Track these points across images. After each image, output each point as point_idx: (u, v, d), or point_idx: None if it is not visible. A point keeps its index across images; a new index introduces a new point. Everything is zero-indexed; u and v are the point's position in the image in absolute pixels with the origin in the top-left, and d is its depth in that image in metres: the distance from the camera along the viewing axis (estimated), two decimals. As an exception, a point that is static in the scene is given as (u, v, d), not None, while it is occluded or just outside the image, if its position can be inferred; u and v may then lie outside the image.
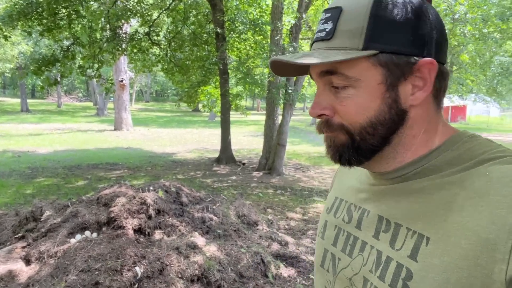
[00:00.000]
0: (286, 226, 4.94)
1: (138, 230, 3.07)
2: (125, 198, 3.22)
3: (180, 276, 2.86)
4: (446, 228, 0.50)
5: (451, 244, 0.48)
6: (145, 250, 2.91)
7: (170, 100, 54.43)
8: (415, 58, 0.53)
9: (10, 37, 9.01)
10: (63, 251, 2.75)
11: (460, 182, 0.51)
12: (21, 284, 2.55)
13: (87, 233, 3.10)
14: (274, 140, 8.80)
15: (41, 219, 3.43)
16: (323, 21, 0.58)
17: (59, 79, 9.21)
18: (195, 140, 16.08)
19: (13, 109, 28.64)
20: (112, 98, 24.13)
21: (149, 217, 3.21)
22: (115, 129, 18.89)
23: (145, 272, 2.74)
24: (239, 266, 3.23)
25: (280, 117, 8.95)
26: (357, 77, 0.55)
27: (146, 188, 3.72)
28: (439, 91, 0.57)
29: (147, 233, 3.10)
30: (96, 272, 2.58)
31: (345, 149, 0.59)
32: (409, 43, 0.53)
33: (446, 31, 0.59)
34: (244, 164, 10.08)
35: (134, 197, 3.21)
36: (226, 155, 10.24)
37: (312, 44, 0.60)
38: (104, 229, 3.08)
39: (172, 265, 2.89)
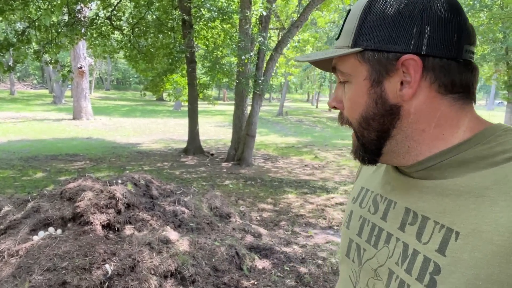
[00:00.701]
0: (258, 217, 4.92)
1: (107, 226, 2.92)
2: (92, 192, 3.04)
3: (153, 272, 2.75)
4: (477, 223, 0.49)
5: (482, 239, 0.47)
6: (115, 246, 2.77)
7: (132, 89, 52.59)
8: (397, 54, 0.54)
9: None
10: (25, 249, 2.56)
11: (493, 176, 0.50)
12: (-22, 287, 2.35)
13: (51, 229, 2.91)
14: (243, 130, 8.73)
15: (0, 215, 3.18)
16: (343, 20, 0.63)
17: (12, 66, 8.57)
18: (160, 130, 15.68)
19: (-41, 96, 26.59)
20: (70, 86, 22.96)
21: (119, 212, 3.06)
22: (74, 118, 18.03)
23: (116, 269, 2.61)
24: (213, 260, 3.17)
25: (249, 108, 8.89)
26: (350, 73, 0.59)
27: (114, 181, 3.55)
28: (447, 86, 0.55)
29: (116, 229, 2.96)
30: (63, 271, 2.42)
31: (358, 149, 0.63)
32: (392, 39, 0.54)
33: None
34: (212, 154, 9.96)
35: (102, 191, 3.04)
36: (194, 145, 10.05)
37: None
38: (69, 225, 2.90)
39: (144, 261, 2.77)
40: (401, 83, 0.55)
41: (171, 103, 31.42)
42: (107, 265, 2.61)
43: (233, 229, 4.00)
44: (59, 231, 2.91)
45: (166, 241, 3.07)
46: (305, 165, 9.00)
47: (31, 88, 44.10)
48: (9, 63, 9.24)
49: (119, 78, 56.23)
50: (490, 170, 0.51)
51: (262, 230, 4.18)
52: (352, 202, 0.75)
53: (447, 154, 0.56)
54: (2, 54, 8.27)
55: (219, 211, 4.23)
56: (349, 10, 0.61)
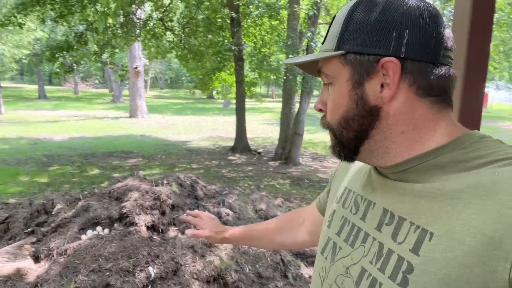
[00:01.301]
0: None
1: (151, 227, 2.91)
2: (137, 193, 3.05)
3: (195, 277, 2.69)
4: (451, 224, 0.50)
5: (455, 240, 0.49)
6: (158, 249, 2.75)
7: (184, 87, 54.36)
8: (377, 57, 0.56)
9: (24, 24, 8.91)
10: (73, 249, 2.61)
11: (468, 180, 0.52)
12: (29, 284, 2.42)
13: (99, 228, 2.96)
14: (290, 129, 8.55)
15: (52, 213, 3.31)
16: (328, 25, 0.65)
17: (74, 66, 9.09)
18: (209, 128, 15.91)
19: (30, 96, 29.00)
20: (127, 85, 24.15)
21: (163, 213, 3.04)
22: (130, 116, 18.88)
23: (159, 272, 2.58)
24: (257, 266, 3.05)
25: (297, 105, 8.69)
26: (333, 75, 0.61)
27: (160, 181, 3.55)
28: (425, 89, 0.57)
29: (160, 230, 2.94)
30: (107, 273, 2.43)
31: (335, 145, 0.65)
32: (372, 43, 0.56)
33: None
34: (259, 153, 9.88)
35: (147, 192, 3.04)
36: (241, 144, 10.04)
37: None
38: (116, 225, 2.93)
39: (187, 265, 2.72)
40: (381, 85, 0.57)
41: (221, 101, 31.96)
42: (150, 268, 2.59)
43: (279, 233, 3.86)
44: (106, 230, 2.95)
45: (210, 245, 3.00)
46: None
47: (93, 88, 47.04)
48: (72, 64, 9.82)
49: (172, 77, 58.28)
50: (464, 173, 0.53)
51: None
52: (336, 202, 0.77)
53: (425, 158, 0.57)
54: (62, 56, 8.80)
55: (264, 213, 4.11)
56: (334, 16, 0.63)
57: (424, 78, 0.56)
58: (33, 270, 2.58)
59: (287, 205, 5.32)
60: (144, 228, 2.84)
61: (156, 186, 3.35)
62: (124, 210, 2.90)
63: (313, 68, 0.68)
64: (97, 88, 46.64)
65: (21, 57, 22.10)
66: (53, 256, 2.62)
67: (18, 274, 2.55)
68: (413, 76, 0.56)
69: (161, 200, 3.03)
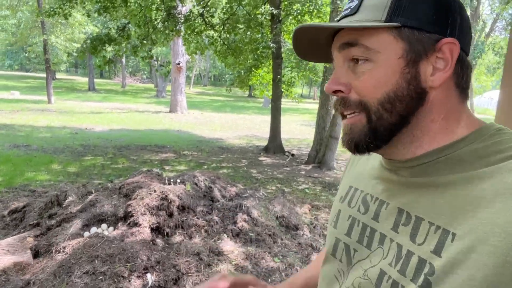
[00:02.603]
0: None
1: (156, 229, 2.71)
2: (145, 191, 2.86)
3: (197, 288, 2.45)
4: (473, 224, 0.48)
5: (478, 240, 0.47)
6: (160, 253, 2.53)
7: (227, 85, 54.91)
8: (438, 36, 0.53)
9: (70, 15, 9.17)
10: (71, 247, 2.46)
11: (489, 176, 0.49)
12: (23, 280, 2.30)
13: (104, 226, 2.80)
14: (326, 131, 8.13)
15: (63, 205, 3.21)
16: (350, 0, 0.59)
17: (112, 59, 9.24)
18: (246, 126, 15.76)
19: (81, 88, 30.49)
20: (171, 81, 24.66)
21: (170, 215, 2.83)
22: (170, 111, 19.19)
23: (157, 280, 2.36)
24: (269, 280, 2.75)
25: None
26: (377, 49, 0.55)
27: (174, 179, 3.35)
28: (460, 77, 0.56)
29: (165, 233, 2.73)
30: (101, 277, 2.24)
31: (362, 134, 0.58)
32: (432, 20, 0.53)
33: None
34: (293, 155, 9.53)
35: (155, 191, 2.84)
36: (274, 144, 9.74)
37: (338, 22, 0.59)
38: (120, 224, 2.76)
39: (189, 274, 2.49)
40: (433, 67, 0.54)
41: (261, 100, 31.83)
42: (148, 275, 2.37)
43: (299, 244, 3.53)
44: (111, 228, 2.78)
45: (218, 253, 2.75)
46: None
47: (140, 82, 48.71)
48: (111, 57, 10.03)
49: (216, 74, 59.12)
50: (486, 169, 0.50)
51: (333, 249, 3.63)
52: (340, 201, 0.73)
53: (445, 151, 0.55)
54: (104, 48, 8.97)
55: (285, 220, 3.80)
56: None
57: (464, 68, 0.55)
58: (30, 266, 2.46)
59: (313, 213, 4.95)
60: (148, 230, 2.64)
61: (169, 184, 3.15)
62: (129, 209, 2.71)
63: (321, 54, 0.63)
64: (144, 82, 48.23)
65: (72, 50, 23.18)
66: (52, 252, 2.49)
67: (15, 269, 2.43)
68: (460, 64, 0.54)
69: (169, 201, 2.82)
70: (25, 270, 2.41)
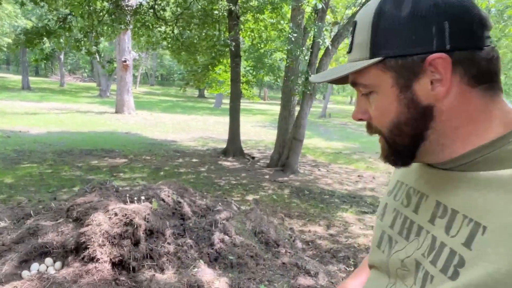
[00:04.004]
0: (310, 244, 4.01)
1: (119, 264, 2.15)
2: (103, 215, 2.28)
3: (176, 338, 1.94)
4: (505, 218, 0.48)
5: (508, 234, 0.47)
6: (126, 296, 1.99)
7: (175, 85, 53.34)
8: (422, 56, 0.54)
9: (0, 3, 8.02)
10: (4, 295, 1.83)
11: None
12: None
13: (48, 261, 2.18)
14: (289, 133, 7.84)
15: (-8, 233, 2.51)
16: (350, 33, 0.63)
17: (51, 53, 8.23)
18: (199, 128, 15.14)
19: (14, 86, 27.75)
20: (115, 80, 23.17)
21: (136, 243, 2.28)
22: (116, 112, 17.99)
23: (125, 334, 1.82)
24: (259, 315, 2.31)
25: (296, 109, 7.98)
26: (374, 84, 0.59)
27: (136, 196, 2.79)
28: (476, 78, 0.55)
29: (131, 268, 2.17)
30: (47, 338, 1.66)
31: (389, 154, 0.63)
32: (412, 42, 0.54)
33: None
34: (253, 158, 9.14)
35: (116, 214, 2.28)
36: (234, 146, 9.29)
37: None
38: (71, 258, 2.16)
39: (165, 320, 1.97)
40: (431, 82, 0.55)
41: (212, 100, 31.16)
42: (112, 327, 1.83)
43: (283, 263, 3.12)
44: (58, 264, 2.17)
45: (198, 287, 2.25)
46: (358, 176, 7.95)
47: (80, 81, 45.75)
48: (50, 51, 8.95)
49: (163, 74, 57.27)
50: None
51: (318, 266, 3.27)
52: (388, 195, 0.76)
53: (481, 151, 0.55)
54: (41, 41, 7.94)
55: (265, 236, 3.38)
56: (355, 22, 0.61)
57: (474, 66, 0.54)
58: None
59: (288, 223, 4.58)
60: (108, 266, 2.08)
61: (130, 203, 2.59)
62: (83, 239, 2.13)
63: (344, 80, 0.64)
64: (85, 81, 45.35)
65: (2, 45, 20.96)
66: (-26, 304, 1.84)
67: None
68: (463, 67, 0.54)
69: (135, 226, 2.27)
70: None
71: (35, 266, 2.14)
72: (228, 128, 9.44)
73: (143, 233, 2.31)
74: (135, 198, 2.71)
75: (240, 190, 6.09)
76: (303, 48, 7.21)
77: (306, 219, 4.85)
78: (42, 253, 2.21)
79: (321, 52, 7.42)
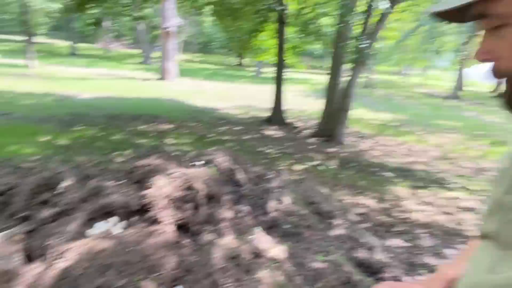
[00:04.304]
0: (361, 216, 3.90)
1: (181, 227, 2.15)
2: (165, 178, 2.29)
3: (239, 303, 1.94)
4: None
5: None
6: (190, 259, 2.00)
7: (216, 53, 53.32)
8: None
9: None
10: (75, 251, 1.89)
11: None
12: (13, 297, 1.74)
13: (113, 220, 2.23)
14: (336, 103, 7.57)
15: (57, 191, 2.61)
16: None
17: (100, 19, 8.34)
18: (241, 96, 15.04)
19: (63, 52, 28.85)
20: (158, 47, 23.39)
21: (197, 207, 2.27)
22: (160, 79, 18.24)
23: (190, 295, 1.84)
24: (319, 285, 2.27)
25: (345, 78, 7.66)
26: (508, 14, 0.51)
27: (193, 161, 2.78)
28: None
29: (193, 232, 2.18)
30: (118, 294, 1.70)
31: None
32: None
33: None
34: (297, 127, 8.99)
35: (178, 178, 2.27)
36: (277, 115, 9.16)
37: None
38: (134, 218, 2.19)
39: (229, 285, 1.97)
40: None
41: (252, 68, 30.79)
42: (179, 287, 1.85)
43: (338, 236, 3.05)
44: (121, 224, 2.22)
45: (257, 254, 2.23)
46: (408, 149, 7.61)
47: (124, 48, 46.69)
48: (100, 18, 9.09)
49: (205, 41, 57.22)
50: None
51: (373, 240, 3.17)
52: (504, 161, 0.65)
53: None
54: (92, 6, 8.06)
55: (318, 207, 3.30)
56: None
57: None
58: (22, 275, 1.89)
59: (337, 194, 4.47)
60: (171, 228, 2.09)
61: (188, 167, 2.58)
62: (146, 201, 2.14)
63: (461, 14, 0.55)
64: (129, 48, 46.23)
65: (52, 11, 21.59)
66: (49, 258, 1.92)
67: (2, 279, 1.86)
68: None
69: (196, 191, 2.25)
70: (14, 282, 1.86)
71: (99, 225, 2.20)
72: (272, 96, 9.28)
73: (203, 198, 2.30)
74: (194, 163, 2.70)
75: (286, 160, 6.02)
76: (353, 13, 6.78)
77: (355, 191, 4.71)
78: (106, 213, 2.26)
79: (373, 18, 6.95)
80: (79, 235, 2.07)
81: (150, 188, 2.20)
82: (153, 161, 2.57)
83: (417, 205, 4.41)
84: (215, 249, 2.10)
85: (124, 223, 2.22)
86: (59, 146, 5.62)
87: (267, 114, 9.76)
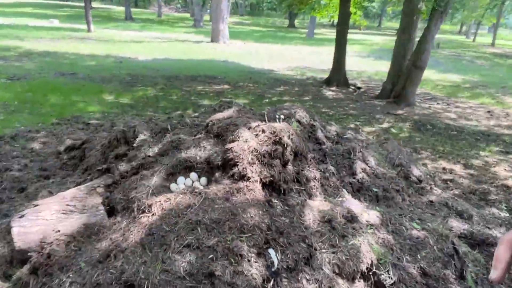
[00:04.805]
0: (448, 183, 3.50)
1: (269, 185, 1.95)
2: (248, 132, 2.07)
3: (337, 271, 1.72)
4: None
5: None
6: (281, 220, 1.80)
7: (264, 15, 51.89)
8: None
9: None
10: (160, 206, 1.76)
11: None
12: (99, 250, 1.65)
13: (193, 176, 2.07)
14: (408, 60, 6.90)
15: (134, 144, 2.51)
16: None
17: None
18: (294, 57, 14.50)
19: (118, 17, 29.42)
20: (208, 11, 23.03)
21: (285, 165, 2.05)
22: (211, 41, 18.05)
23: (284, 260, 1.65)
24: (419, 257, 2.00)
25: (416, 32, 6.92)
26: None
27: (272, 115, 2.53)
28: None
29: (282, 191, 1.97)
30: (210, 254, 1.55)
31: None
32: None
33: None
34: (359, 88, 8.43)
35: (264, 131, 2.04)
36: (338, 76, 8.63)
37: None
38: (217, 174, 2.02)
39: (323, 250, 1.76)
40: None
41: (303, 30, 29.58)
42: (271, 251, 1.66)
43: (430, 202, 2.72)
44: (203, 180, 2.06)
45: (351, 218, 1.98)
46: (488, 112, 6.85)
47: (175, 11, 46.82)
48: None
49: (253, 3, 55.83)
50: None
51: (469, 208, 2.80)
52: None
53: None
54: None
55: (404, 171, 2.96)
56: None
57: None
58: (106, 228, 1.81)
59: (419, 159, 4.07)
60: (259, 186, 1.89)
61: (269, 122, 2.34)
62: (230, 155, 1.95)
63: None
64: (179, 12, 46.28)
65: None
66: (133, 211, 1.81)
67: (86, 233, 1.79)
68: None
69: (284, 145, 2.02)
70: (100, 235, 1.78)
71: (181, 180, 2.05)
72: (334, 55, 8.73)
73: (290, 154, 2.06)
74: (272, 116, 2.45)
75: (351, 121, 5.63)
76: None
77: (436, 155, 4.27)
78: (186, 167, 2.11)
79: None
80: (163, 189, 1.94)
81: (234, 141, 2.00)
82: (231, 113, 2.37)
83: (508, 172, 3.90)
84: (306, 211, 1.89)
85: (204, 179, 2.06)
86: (123, 104, 5.65)
87: (324, 75, 9.26)
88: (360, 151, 2.72)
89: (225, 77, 9.03)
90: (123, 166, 2.25)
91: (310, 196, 2.08)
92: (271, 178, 1.91)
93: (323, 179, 2.28)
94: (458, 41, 28.82)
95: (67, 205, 1.92)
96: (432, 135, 5.10)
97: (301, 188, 2.05)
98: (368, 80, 10.04)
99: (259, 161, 1.93)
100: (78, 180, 2.53)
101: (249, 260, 1.58)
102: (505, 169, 3.97)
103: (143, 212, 1.79)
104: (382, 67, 12.55)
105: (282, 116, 2.44)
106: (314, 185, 2.12)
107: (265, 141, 1.98)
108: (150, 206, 1.79)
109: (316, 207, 1.95)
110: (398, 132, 5.15)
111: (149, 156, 2.20)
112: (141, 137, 2.52)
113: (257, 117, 2.44)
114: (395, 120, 5.86)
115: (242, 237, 1.65)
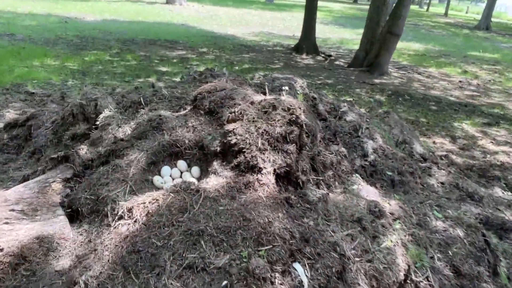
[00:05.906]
0: (442, 159, 3.30)
1: (284, 177, 1.54)
2: (253, 107, 1.62)
3: (375, 285, 1.39)
4: None
5: None
6: (304, 223, 1.41)
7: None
8: None
9: None
10: (143, 209, 1.30)
11: None
12: (62, 276, 1.18)
13: (182, 165, 1.61)
14: (383, 27, 6.62)
15: (97, 122, 1.97)
16: None
17: None
18: (257, 23, 13.83)
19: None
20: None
21: (300, 150, 1.64)
22: (167, 3, 16.82)
23: (314, 276, 1.28)
24: (450, 253, 1.72)
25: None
26: None
27: (270, 86, 2.09)
28: None
29: (299, 183, 1.57)
30: (222, 279, 1.14)
31: None
32: None
33: None
34: (330, 56, 8.10)
35: (275, 107, 1.60)
36: (308, 43, 8.21)
37: None
38: (215, 164, 1.57)
39: (358, 259, 1.41)
40: None
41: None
42: (298, 267, 1.28)
43: (442, 184, 2.46)
44: (195, 170, 1.60)
45: (379, 213, 1.64)
46: (459, 81, 6.82)
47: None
48: None
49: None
50: None
51: (478, 189, 2.59)
52: None
53: None
54: None
55: (408, 148, 2.68)
56: None
57: None
58: (69, 241, 1.32)
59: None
60: (273, 179, 1.47)
61: (268, 94, 1.90)
62: (234, 139, 1.50)
63: None
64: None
65: None
66: (105, 216, 1.34)
67: (40, 250, 1.30)
68: None
69: (300, 125, 1.60)
70: (61, 251, 1.30)
71: (166, 170, 1.59)
72: (303, 21, 8.26)
73: (307, 137, 1.65)
74: (272, 86, 2.01)
75: (329, 91, 5.30)
76: None
77: (423, 128, 4.07)
78: (172, 154, 1.64)
79: None
80: (144, 184, 1.47)
81: (236, 121, 1.55)
82: (224, 84, 1.89)
83: (497, 146, 3.79)
84: (331, 208, 1.52)
85: (196, 168, 1.60)
86: (73, 70, 4.87)
87: (291, 42, 8.81)
88: (367, 128, 2.38)
89: (187, 41, 8.29)
90: (86, 153, 1.72)
91: (329, 187, 1.70)
92: (287, 168, 1.50)
93: (336, 164, 1.91)
94: (413, 11, 29.25)
95: (12, 210, 1.40)
96: (412, 106, 4.91)
97: (319, 177, 1.67)
98: (336, 48, 9.73)
99: (271, 146, 1.50)
100: (25, 169, 1.97)
101: (272, 283, 1.19)
102: (492, 142, 3.86)
103: (121, 218, 1.33)
104: (345, 34, 12.29)
105: (286, 88, 2.01)
106: (332, 174, 1.75)
107: (278, 120, 1.55)
108: (130, 210, 1.33)
109: (340, 202, 1.59)
110: (376, 103, 4.90)
111: (121, 139, 1.70)
112: (106, 112, 1.98)
113: (253, 88, 1.98)
114: (371, 90, 5.61)
115: (260, 250, 1.24)
